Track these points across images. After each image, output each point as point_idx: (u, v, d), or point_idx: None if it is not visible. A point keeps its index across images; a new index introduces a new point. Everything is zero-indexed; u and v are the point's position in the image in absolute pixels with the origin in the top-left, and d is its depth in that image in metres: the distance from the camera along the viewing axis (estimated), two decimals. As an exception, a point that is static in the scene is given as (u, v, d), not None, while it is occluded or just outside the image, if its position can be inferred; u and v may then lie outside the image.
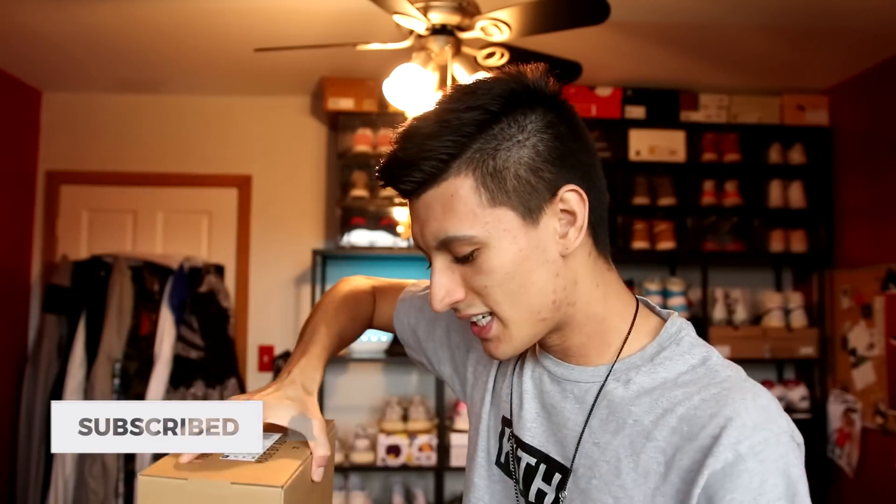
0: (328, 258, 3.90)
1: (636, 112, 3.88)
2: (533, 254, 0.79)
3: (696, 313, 3.84)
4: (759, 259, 3.98)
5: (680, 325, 0.86)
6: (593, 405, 0.83)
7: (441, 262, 0.81)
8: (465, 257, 0.79)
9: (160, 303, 3.60)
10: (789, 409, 3.74)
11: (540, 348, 0.91)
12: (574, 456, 0.82)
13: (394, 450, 3.57)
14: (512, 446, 0.91)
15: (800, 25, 3.10)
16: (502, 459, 0.92)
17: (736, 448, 0.69)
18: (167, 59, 3.54)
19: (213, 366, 3.54)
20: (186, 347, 3.51)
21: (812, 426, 3.74)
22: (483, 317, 0.82)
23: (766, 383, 3.80)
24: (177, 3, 2.90)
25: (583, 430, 0.82)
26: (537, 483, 0.86)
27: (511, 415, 0.92)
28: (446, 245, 0.79)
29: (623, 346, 0.84)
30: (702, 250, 3.87)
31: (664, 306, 3.73)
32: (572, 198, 0.81)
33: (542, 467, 0.86)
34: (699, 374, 0.80)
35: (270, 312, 3.99)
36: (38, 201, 3.97)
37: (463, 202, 0.77)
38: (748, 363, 3.86)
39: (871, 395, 3.46)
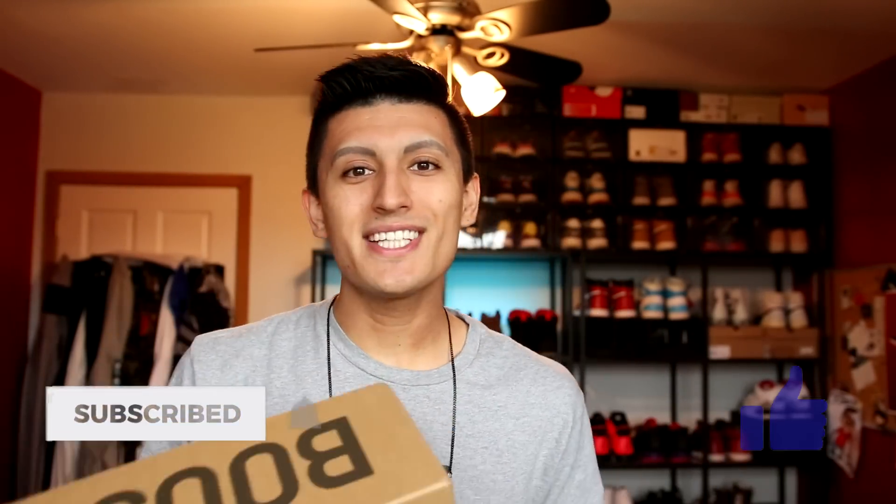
0: (328, 258, 3.89)
1: (636, 112, 3.88)
2: (458, 207, 0.89)
3: (697, 313, 3.83)
4: (759, 259, 3.98)
5: (476, 324, 0.97)
6: (454, 404, 0.88)
7: (398, 165, 0.83)
8: (427, 165, 0.84)
9: (160, 303, 3.59)
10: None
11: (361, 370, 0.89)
12: (452, 455, 0.86)
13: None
14: None
15: (800, 25, 3.09)
16: None
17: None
18: (167, 59, 3.54)
19: (213, 366, 3.52)
20: (186, 347, 3.49)
21: (812, 426, 3.73)
22: (411, 232, 0.83)
23: (767, 383, 3.80)
24: (177, 4, 2.90)
25: (453, 430, 0.87)
26: None
27: None
28: (417, 147, 0.83)
29: (451, 344, 0.93)
30: (702, 250, 3.87)
31: (664, 306, 3.76)
32: (475, 183, 0.95)
33: None
34: (517, 355, 0.96)
35: (270, 312, 3.86)
36: (38, 201, 3.97)
37: (441, 125, 0.87)
38: (748, 363, 3.90)
39: (871, 395, 3.45)
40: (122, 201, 3.99)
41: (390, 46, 2.66)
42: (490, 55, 2.61)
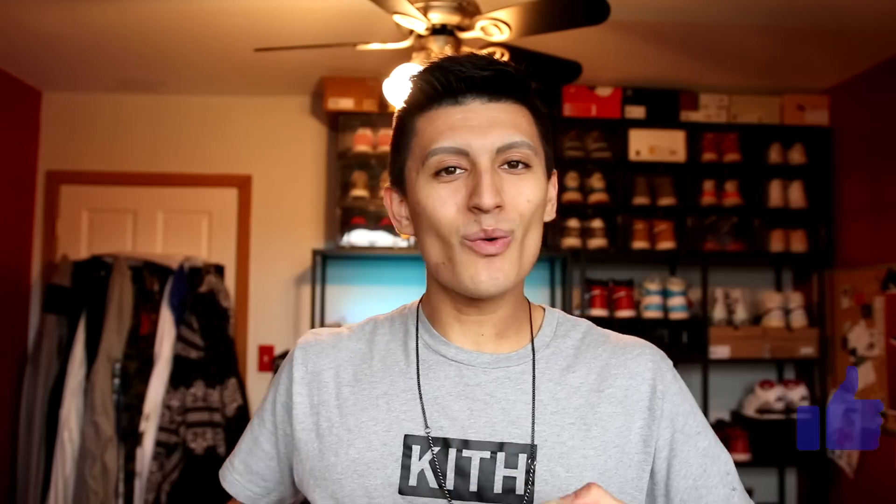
0: (328, 258, 3.90)
1: (636, 112, 3.87)
2: (543, 205, 0.90)
3: (697, 313, 3.83)
4: (759, 259, 3.98)
5: (553, 310, 1.00)
6: (534, 384, 0.90)
7: (491, 164, 0.84)
8: (517, 164, 0.86)
9: (160, 303, 3.59)
10: (789, 408, 3.74)
11: (445, 352, 0.93)
12: (533, 432, 0.86)
13: None
14: (434, 457, 0.86)
15: (800, 25, 3.09)
16: (412, 482, 0.85)
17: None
18: (168, 59, 3.54)
19: (213, 366, 3.53)
20: (186, 347, 3.50)
21: (812, 426, 3.73)
22: (504, 234, 0.85)
23: (767, 383, 3.80)
24: (177, 3, 2.90)
25: (533, 406, 0.88)
26: (501, 472, 0.85)
27: (427, 427, 0.87)
28: (509, 148, 0.85)
29: (532, 329, 0.95)
30: (702, 250, 3.87)
31: (665, 306, 3.75)
32: (554, 178, 0.96)
33: (500, 455, 0.85)
34: (595, 335, 0.97)
35: (270, 312, 3.99)
36: (38, 201, 3.97)
37: (529, 124, 0.89)
38: (748, 363, 3.90)
39: (871, 395, 3.45)
40: (122, 201, 3.99)
41: (390, 46, 2.66)
42: (490, 55, 2.61)
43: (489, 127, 0.85)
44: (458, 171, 0.85)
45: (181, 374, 3.47)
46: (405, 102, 0.92)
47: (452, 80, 0.86)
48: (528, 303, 0.98)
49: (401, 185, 0.93)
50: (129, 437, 3.43)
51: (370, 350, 0.96)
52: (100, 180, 3.99)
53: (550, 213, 0.94)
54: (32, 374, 3.60)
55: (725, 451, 0.95)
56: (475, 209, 0.83)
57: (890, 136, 3.46)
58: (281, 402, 0.96)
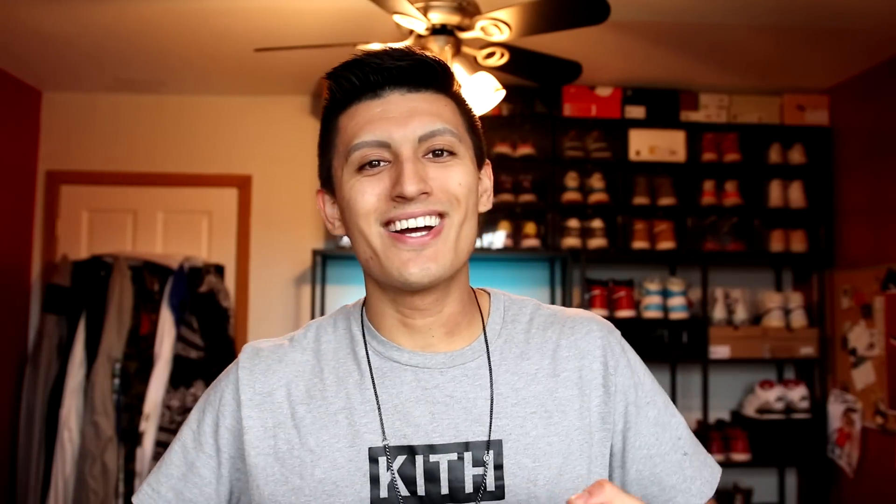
0: (328, 258, 3.89)
1: (636, 112, 3.87)
2: (476, 193, 0.89)
3: (697, 313, 3.83)
4: (759, 259, 3.97)
5: (497, 294, 0.99)
6: (491, 378, 0.89)
7: (413, 154, 0.83)
8: (442, 153, 0.85)
9: (160, 303, 3.58)
10: (790, 408, 3.74)
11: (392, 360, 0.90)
12: (490, 427, 0.86)
13: None
14: (402, 466, 0.85)
15: (800, 25, 3.09)
16: (383, 493, 0.84)
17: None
18: (167, 58, 3.53)
19: (213, 366, 3.52)
20: (186, 347, 3.50)
21: (812, 426, 3.73)
22: (433, 217, 0.84)
23: (767, 383, 3.80)
24: (177, 3, 2.90)
25: (492, 401, 0.87)
26: (470, 471, 0.85)
27: (385, 439, 0.85)
28: (431, 136, 0.84)
29: (484, 321, 0.93)
30: (702, 250, 3.86)
31: (664, 306, 3.75)
32: (487, 170, 0.95)
33: (468, 455, 0.85)
34: (542, 315, 0.96)
35: (270, 313, 3.98)
36: (38, 201, 3.96)
37: (452, 113, 0.88)
38: (748, 363, 3.90)
39: (871, 395, 3.45)
40: (122, 201, 3.98)
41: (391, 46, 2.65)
42: (490, 55, 2.60)
43: (409, 117, 0.84)
44: (381, 163, 0.84)
45: (181, 375, 3.46)
46: (326, 101, 0.91)
47: (370, 73, 0.85)
48: (474, 291, 0.97)
49: (329, 185, 0.92)
50: (129, 437, 3.43)
51: (318, 362, 0.92)
52: (100, 180, 3.98)
53: (486, 204, 0.94)
54: (32, 375, 3.59)
55: (678, 415, 0.95)
56: (399, 198, 0.82)
57: (890, 136, 3.46)
58: (226, 425, 0.90)
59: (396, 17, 2.40)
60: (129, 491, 3.40)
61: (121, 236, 3.95)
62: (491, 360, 0.90)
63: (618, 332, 0.97)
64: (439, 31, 2.46)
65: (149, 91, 4.00)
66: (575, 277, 3.78)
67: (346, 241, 3.75)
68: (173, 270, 3.64)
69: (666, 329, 3.87)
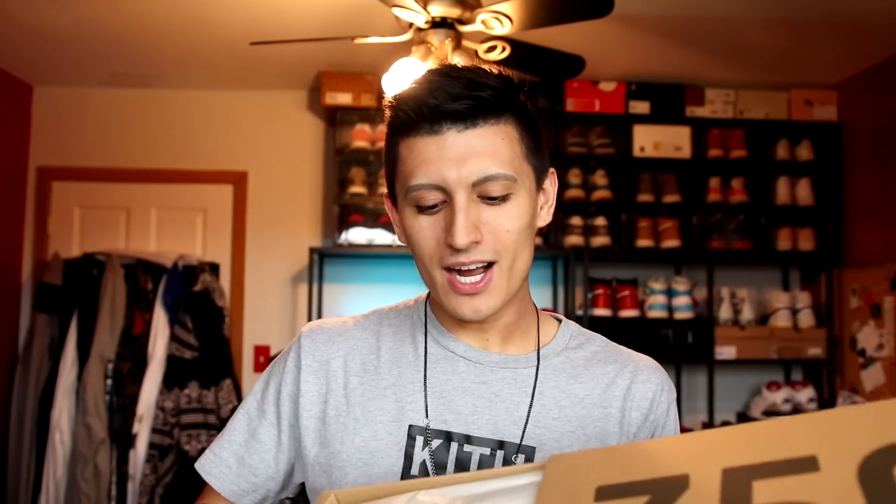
0: (325, 256, 3.85)
1: (640, 107, 3.82)
2: (534, 217, 0.91)
3: (702, 313, 3.78)
4: (765, 258, 3.93)
5: (569, 322, 1.02)
6: (534, 387, 0.93)
7: (467, 199, 0.84)
8: (496, 198, 0.85)
9: (154, 302, 3.55)
10: (797, 410, 3.69)
11: (455, 347, 0.95)
12: (524, 431, 0.90)
13: None
14: (436, 448, 0.89)
15: (808, 19, 3.05)
16: (414, 471, 0.89)
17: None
18: (161, 52, 3.48)
19: (207, 366, 3.48)
20: (180, 347, 3.45)
21: (819, 428, 3.68)
22: (482, 266, 0.86)
23: (774, 384, 3.75)
24: (168, -5, 2.85)
25: (529, 410, 0.91)
26: None
27: (428, 418, 0.90)
28: (485, 181, 0.84)
29: (539, 336, 0.98)
30: (707, 249, 3.82)
31: (669, 306, 3.70)
32: (552, 178, 0.96)
33: (500, 453, 0.89)
34: (609, 351, 1.00)
35: (266, 312, 3.93)
36: (29, 198, 3.92)
37: (509, 146, 0.86)
38: (754, 364, 3.85)
39: (881, 397, 3.40)
40: (115, 198, 3.93)
41: (389, 40, 2.61)
42: (491, 49, 2.58)
43: (465, 158, 0.84)
44: (437, 206, 0.87)
45: (175, 375, 3.42)
46: (387, 126, 0.93)
47: (426, 111, 0.85)
48: (537, 310, 1.01)
49: (394, 199, 0.95)
50: (122, 438, 3.39)
51: (377, 341, 0.97)
52: (92, 176, 3.93)
53: (546, 218, 0.96)
54: (23, 375, 3.56)
55: None
56: (450, 247, 0.85)
57: (901, 132, 3.41)
58: (287, 392, 0.96)
59: (395, 10, 2.38)
60: (122, 494, 3.35)
61: (113, 234, 3.91)
62: (540, 371, 0.94)
63: (674, 392, 1.01)
64: (439, 24, 2.45)
65: (142, 85, 3.94)
66: (578, 276, 3.73)
67: (343, 238, 3.70)
68: (167, 269, 3.60)
69: (671, 329, 3.83)
